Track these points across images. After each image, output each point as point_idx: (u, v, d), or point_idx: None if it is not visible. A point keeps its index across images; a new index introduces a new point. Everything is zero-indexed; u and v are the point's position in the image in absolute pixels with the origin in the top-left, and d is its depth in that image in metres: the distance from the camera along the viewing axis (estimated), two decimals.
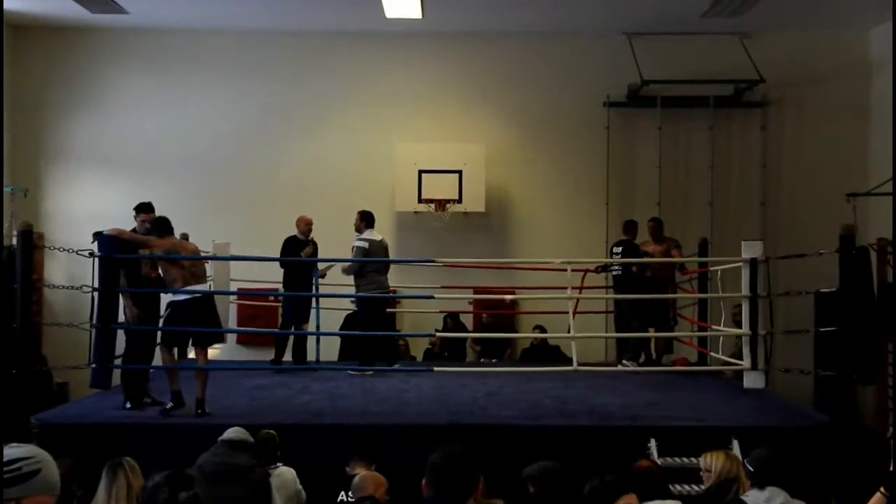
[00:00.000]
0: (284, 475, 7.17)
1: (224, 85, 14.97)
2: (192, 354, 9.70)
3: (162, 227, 9.13)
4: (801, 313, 11.41)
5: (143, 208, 9.51)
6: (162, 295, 9.43)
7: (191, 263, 9.06)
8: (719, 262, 11.83)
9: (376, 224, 11.75)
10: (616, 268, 12.07)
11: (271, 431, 7.37)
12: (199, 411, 8.75)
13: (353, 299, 12.00)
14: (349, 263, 11.37)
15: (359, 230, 11.61)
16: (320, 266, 11.92)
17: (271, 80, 14.99)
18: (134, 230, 9.43)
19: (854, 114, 14.54)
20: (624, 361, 11.76)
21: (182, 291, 8.92)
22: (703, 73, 14.54)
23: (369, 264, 11.30)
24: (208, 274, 10.07)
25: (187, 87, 15.00)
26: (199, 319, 8.98)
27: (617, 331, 12.40)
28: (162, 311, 9.27)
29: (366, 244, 11.40)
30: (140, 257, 9.21)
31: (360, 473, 6.28)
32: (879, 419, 10.78)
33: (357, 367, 11.30)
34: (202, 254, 9.63)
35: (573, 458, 6.51)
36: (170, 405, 8.87)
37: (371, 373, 11.15)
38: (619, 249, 12.13)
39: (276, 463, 7.22)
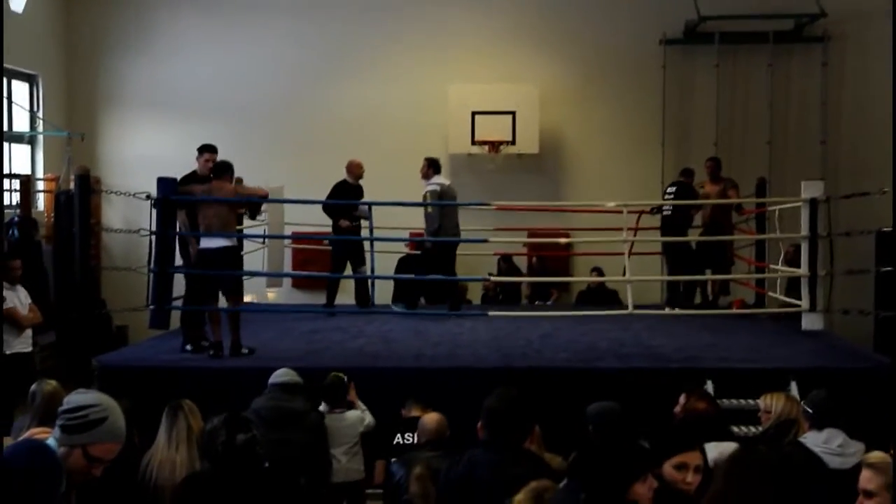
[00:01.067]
0: (350, 419, 7.22)
1: (277, 28, 14.95)
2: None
3: (218, 169, 9.09)
4: (863, 254, 11.26)
5: (207, 148, 9.51)
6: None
7: (216, 211, 8.90)
8: (778, 203, 11.67)
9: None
10: (667, 209, 11.90)
11: (340, 374, 7.37)
12: (243, 350, 8.89)
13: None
14: (430, 219, 11.20)
15: (426, 177, 11.48)
16: (362, 208, 11.81)
17: (324, 23, 14.95)
18: (193, 173, 9.49)
19: None
20: (667, 309, 11.60)
21: (231, 236, 8.92)
22: (762, 8, 14.25)
23: (442, 210, 11.22)
24: (262, 217, 10.10)
25: (241, 30, 15.00)
26: (223, 267, 8.93)
27: (668, 273, 12.29)
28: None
29: (438, 188, 11.26)
30: (195, 199, 9.18)
31: (425, 416, 6.27)
32: None
33: (402, 309, 11.28)
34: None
35: (629, 401, 6.50)
36: (211, 352, 8.98)
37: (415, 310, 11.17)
38: (673, 189, 11.95)
39: (344, 408, 7.27)
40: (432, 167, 11.50)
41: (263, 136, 14.64)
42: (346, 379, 7.37)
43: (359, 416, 7.29)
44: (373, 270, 11.94)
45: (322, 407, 7.23)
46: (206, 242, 8.91)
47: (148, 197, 9.13)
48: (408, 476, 5.33)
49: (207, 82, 14.93)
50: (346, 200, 11.51)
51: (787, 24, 14.48)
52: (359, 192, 11.77)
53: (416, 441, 6.28)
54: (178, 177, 9.34)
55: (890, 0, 14.13)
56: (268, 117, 14.83)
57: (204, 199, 8.93)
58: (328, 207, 11.59)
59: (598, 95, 14.83)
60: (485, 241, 11.47)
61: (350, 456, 7.16)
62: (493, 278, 12.71)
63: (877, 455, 3.77)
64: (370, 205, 11.56)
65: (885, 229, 10.02)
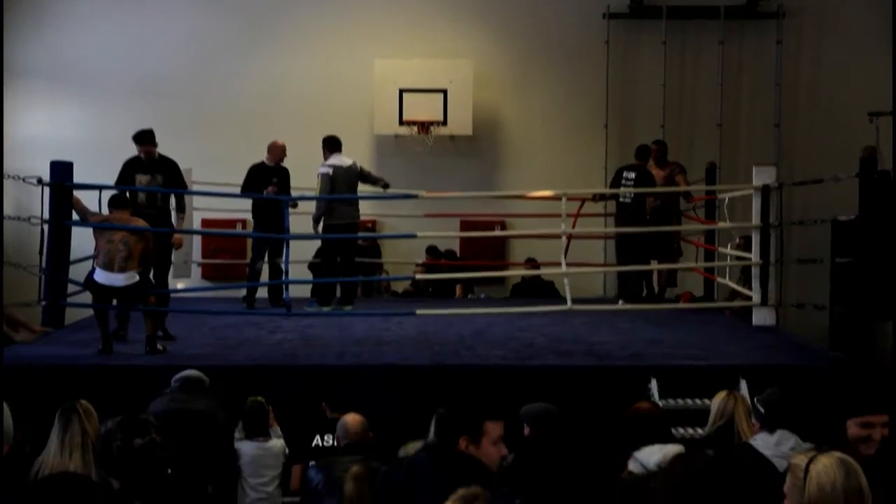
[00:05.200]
0: (275, 448, 7.17)
1: None
2: None
3: (117, 202, 9.05)
4: (818, 244, 11.42)
5: (151, 139, 9.98)
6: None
7: (123, 238, 8.66)
8: (728, 189, 11.80)
9: (349, 148, 11.54)
10: (625, 197, 11.78)
11: (260, 399, 7.27)
12: (158, 347, 8.80)
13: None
14: (318, 206, 11.14)
15: (325, 158, 11.43)
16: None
17: None
18: (137, 158, 9.83)
19: (880, 25, 14.37)
20: (621, 302, 11.70)
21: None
22: None
23: (333, 192, 11.16)
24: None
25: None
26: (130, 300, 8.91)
27: (619, 264, 12.36)
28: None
29: (329, 170, 11.14)
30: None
31: (346, 417, 6.24)
32: None
33: (316, 309, 11.17)
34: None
35: (568, 401, 6.54)
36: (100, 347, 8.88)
37: (327, 309, 11.09)
38: (633, 175, 11.69)
39: (266, 436, 7.18)
40: (326, 146, 11.40)
41: (169, 114, 14.27)
42: (265, 403, 7.31)
43: (281, 445, 7.23)
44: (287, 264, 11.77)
45: (238, 433, 7.17)
46: (106, 278, 8.61)
47: (39, 181, 8.98)
48: (326, 482, 5.31)
49: (106, 55, 14.61)
50: (256, 182, 11.51)
51: None
52: (278, 173, 11.68)
53: (335, 444, 6.27)
54: (72, 159, 9.22)
55: None
56: (174, 94, 14.56)
57: (101, 225, 8.79)
58: (243, 191, 11.63)
59: (537, 73, 14.86)
60: (413, 236, 11.44)
61: (275, 486, 7.13)
62: (418, 276, 12.60)
63: (796, 458, 3.88)
64: (282, 199, 11.30)
65: (842, 218, 10.16)
